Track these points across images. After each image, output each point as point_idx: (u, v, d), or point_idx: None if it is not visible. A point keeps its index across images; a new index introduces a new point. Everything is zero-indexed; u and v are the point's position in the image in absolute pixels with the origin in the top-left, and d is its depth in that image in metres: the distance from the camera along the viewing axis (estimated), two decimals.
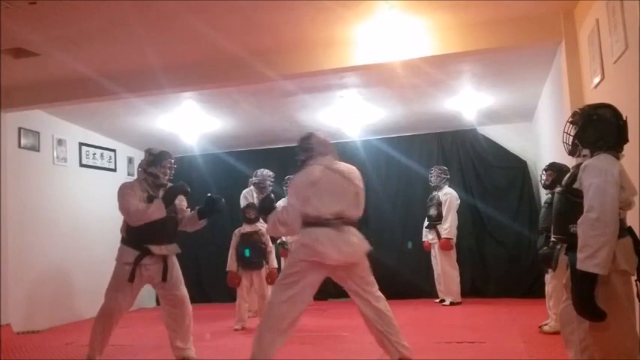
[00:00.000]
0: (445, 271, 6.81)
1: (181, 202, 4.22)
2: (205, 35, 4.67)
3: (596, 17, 3.85)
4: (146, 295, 8.23)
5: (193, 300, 7.80)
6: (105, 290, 4.01)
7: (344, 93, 6.37)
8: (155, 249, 3.94)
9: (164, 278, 3.96)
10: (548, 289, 4.73)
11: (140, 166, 4.17)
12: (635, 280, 2.46)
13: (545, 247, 4.28)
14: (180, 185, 4.14)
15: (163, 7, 4.16)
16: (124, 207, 3.94)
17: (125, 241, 4.02)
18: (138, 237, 3.93)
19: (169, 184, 4.16)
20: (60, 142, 6.96)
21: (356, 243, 3.44)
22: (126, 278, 3.88)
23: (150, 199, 3.96)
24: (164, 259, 4.00)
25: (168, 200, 4.00)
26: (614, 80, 3.60)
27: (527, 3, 4.43)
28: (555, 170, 4.55)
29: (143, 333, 5.92)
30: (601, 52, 3.80)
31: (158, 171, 4.06)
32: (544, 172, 4.75)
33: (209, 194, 4.31)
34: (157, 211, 3.89)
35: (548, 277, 4.72)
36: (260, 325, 3.35)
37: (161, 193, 4.07)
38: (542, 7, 4.51)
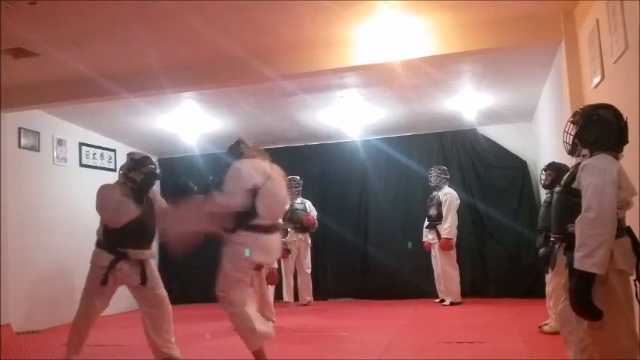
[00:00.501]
0: (445, 271, 6.81)
1: (160, 202, 4.19)
2: (205, 35, 4.67)
3: (596, 17, 3.85)
4: None
5: (194, 300, 7.87)
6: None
7: (344, 93, 6.37)
8: (131, 253, 3.94)
9: (143, 282, 3.97)
10: (548, 289, 4.72)
11: (121, 168, 4.17)
12: (634, 280, 2.46)
13: (545, 247, 4.30)
14: (182, 183, 4.09)
15: (163, 7, 4.16)
16: (100, 208, 3.97)
17: (101, 244, 4.01)
18: (114, 241, 3.93)
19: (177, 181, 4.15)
20: (60, 142, 6.97)
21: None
22: (100, 281, 3.91)
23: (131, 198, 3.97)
24: (141, 262, 4.00)
25: (177, 199, 4.01)
26: (614, 80, 3.60)
27: (527, 3, 4.43)
28: (555, 170, 4.55)
29: (143, 333, 5.91)
30: (601, 52, 3.80)
31: (137, 176, 4.04)
32: (543, 172, 4.75)
33: (174, 181, 4.24)
34: (131, 211, 3.89)
35: (548, 277, 4.72)
36: (245, 323, 3.53)
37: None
38: (542, 7, 4.51)
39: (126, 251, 3.91)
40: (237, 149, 3.74)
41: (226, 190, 3.51)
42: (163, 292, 4.12)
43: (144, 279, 3.97)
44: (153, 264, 4.14)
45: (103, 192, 4.02)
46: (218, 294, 3.62)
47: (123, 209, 3.88)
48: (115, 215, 3.90)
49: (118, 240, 3.91)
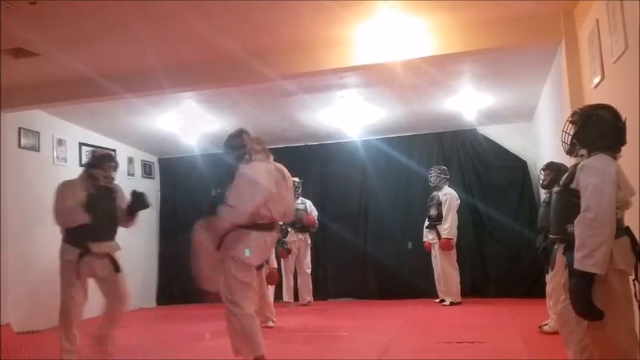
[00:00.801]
0: (445, 271, 6.82)
1: (122, 201, 4.30)
2: (205, 35, 4.67)
3: (596, 17, 3.85)
4: (146, 295, 8.23)
5: (194, 300, 7.86)
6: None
7: (344, 93, 6.37)
8: (94, 247, 4.04)
9: (117, 270, 4.10)
10: (548, 289, 4.73)
11: (84, 164, 4.29)
12: (633, 280, 2.46)
13: (544, 246, 4.30)
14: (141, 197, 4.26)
15: (163, 7, 4.16)
16: (54, 206, 4.11)
17: (66, 239, 4.13)
18: (76, 236, 4.04)
19: (136, 190, 4.32)
20: (60, 142, 6.96)
21: None
22: (72, 274, 4.01)
23: (89, 198, 4.06)
24: (107, 254, 4.12)
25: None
26: (614, 80, 3.60)
27: (527, 3, 4.43)
28: (553, 170, 4.55)
29: (143, 333, 5.92)
30: (601, 52, 3.80)
31: (98, 173, 4.18)
32: (542, 172, 4.76)
33: (133, 190, 4.37)
34: (78, 217, 4.00)
35: (548, 277, 4.72)
36: (251, 325, 3.43)
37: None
38: (542, 7, 4.50)
39: (88, 245, 4.02)
40: (239, 142, 3.57)
41: (238, 202, 3.30)
42: (126, 286, 4.21)
43: (117, 268, 4.10)
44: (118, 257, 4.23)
45: (60, 191, 4.15)
46: (224, 296, 3.48)
47: (72, 215, 4.01)
48: (64, 219, 4.07)
49: (81, 235, 4.02)
